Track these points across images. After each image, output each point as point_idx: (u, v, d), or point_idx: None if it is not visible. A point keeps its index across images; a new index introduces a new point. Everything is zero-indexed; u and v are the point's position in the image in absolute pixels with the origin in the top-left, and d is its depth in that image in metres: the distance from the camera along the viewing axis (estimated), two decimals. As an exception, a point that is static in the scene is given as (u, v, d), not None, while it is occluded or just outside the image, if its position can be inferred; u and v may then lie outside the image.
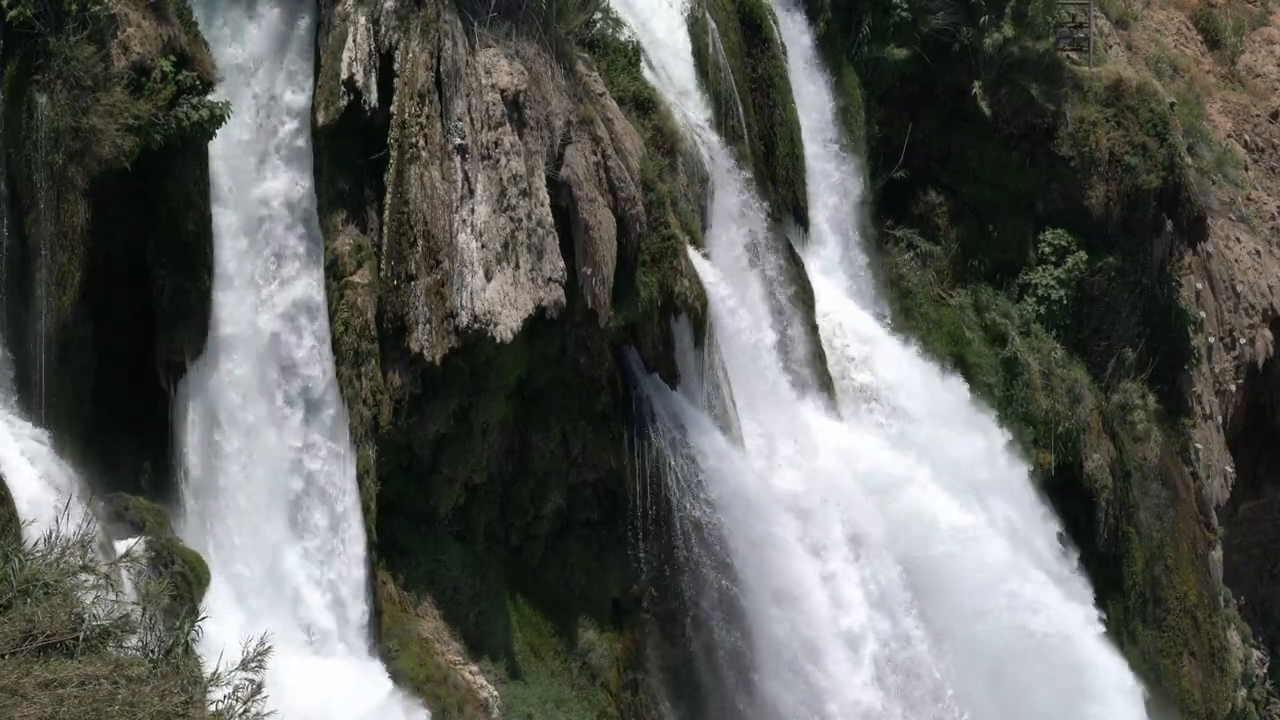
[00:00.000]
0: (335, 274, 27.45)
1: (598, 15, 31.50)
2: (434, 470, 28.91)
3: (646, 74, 32.83)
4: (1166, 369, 43.46)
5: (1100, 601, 39.55)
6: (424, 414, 28.17)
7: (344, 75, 27.07)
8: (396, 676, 27.25)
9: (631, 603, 30.91)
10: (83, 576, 12.87)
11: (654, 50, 33.68)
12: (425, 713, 27.13)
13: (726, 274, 32.77)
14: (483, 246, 27.69)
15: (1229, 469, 46.61)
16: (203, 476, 25.72)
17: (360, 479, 27.37)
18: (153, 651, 12.54)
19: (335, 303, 27.35)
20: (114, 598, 13.04)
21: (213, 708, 12.10)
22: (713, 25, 34.96)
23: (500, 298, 27.67)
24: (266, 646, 12.15)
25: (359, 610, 27.14)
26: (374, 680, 26.94)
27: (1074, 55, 44.16)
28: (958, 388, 38.98)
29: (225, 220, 25.96)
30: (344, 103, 27.14)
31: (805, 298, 35.33)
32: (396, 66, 27.61)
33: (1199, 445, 45.03)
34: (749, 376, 32.97)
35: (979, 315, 41.03)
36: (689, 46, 34.61)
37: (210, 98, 24.66)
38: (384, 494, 27.88)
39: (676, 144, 32.48)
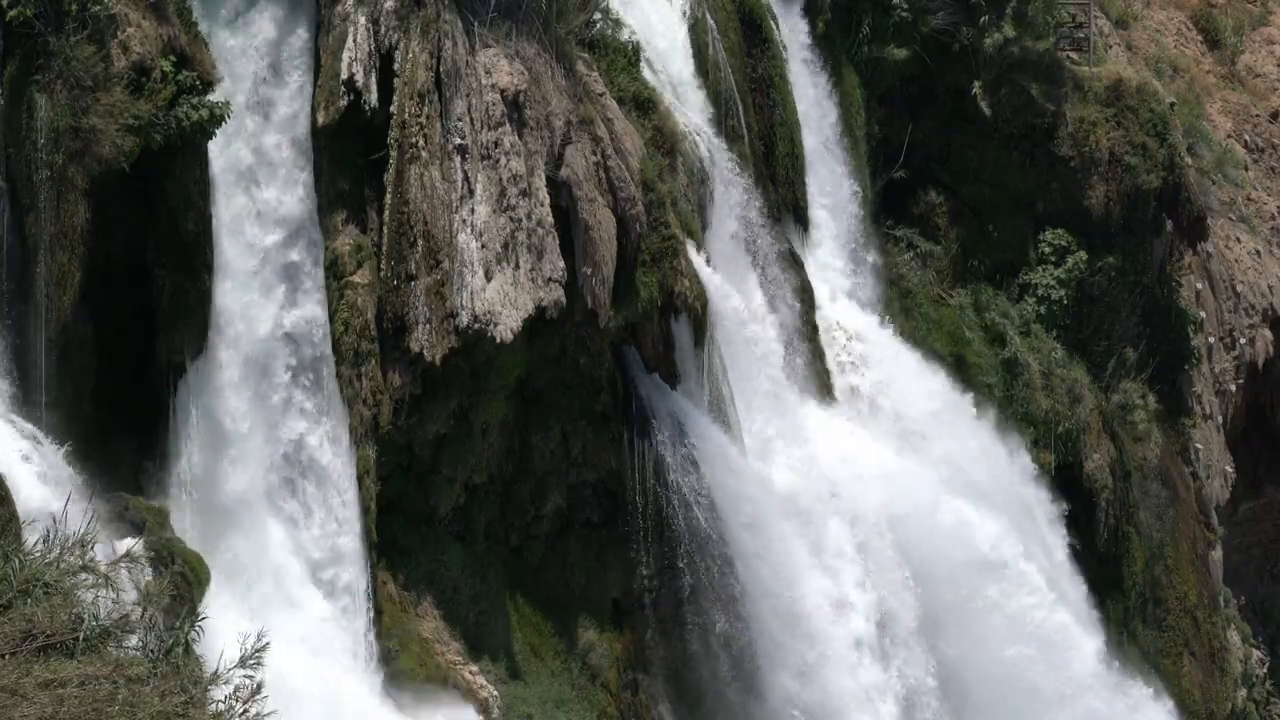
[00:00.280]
0: (335, 274, 27.45)
1: (598, 15, 31.50)
2: (434, 470, 28.91)
3: (646, 74, 32.83)
4: (1166, 369, 43.45)
5: (1100, 602, 39.57)
6: (424, 414, 28.17)
7: (344, 75, 27.07)
8: (397, 677, 27.25)
9: (631, 603, 30.91)
10: (83, 576, 12.86)
11: (654, 50, 33.68)
12: (425, 713, 27.12)
13: (726, 274, 32.77)
14: (483, 246, 27.69)
15: (1229, 469, 46.60)
16: (202, 476, 25.70)
17: (360, 479, 27.37)
18: (153, 651, 12.54)
19: (335, 303, 27.34)
20: (114, 598, 13.03)
21: (213, 708, 12.09)
22: (713, 25, 34.95)
23: (500, 298, 27.67)
24: (264, 643, 12.14)
25: (359, 610, 27.13)
26: (374, 680, 26.95)
27: (1074, 55, 44.16)
28: (958, 388, 38.98)
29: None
30: (344, 103, 27.14)
31: (805, 298, 35.33)
32: (396, 66, 27.61)
33: (1199, 445, 45.03)
34: (749, 376, 32.97)
35: (979, 315, 41.03)
36: (689, 46, 34.60)
37: (210, 98, 24.65)
38: (384, 494, 27.88)
39: (676, 144, 32.48)
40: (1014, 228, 42.07)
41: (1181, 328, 44.11)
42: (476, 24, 28.47)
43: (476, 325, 27.46)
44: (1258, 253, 48.95)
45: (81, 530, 13.45)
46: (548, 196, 28.49)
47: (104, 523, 22.37)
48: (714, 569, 30.91)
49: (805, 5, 38.54)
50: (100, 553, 14.10)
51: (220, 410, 25.93)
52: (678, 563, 30.83)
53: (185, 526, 25.27)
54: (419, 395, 27.95)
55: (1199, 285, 46.07)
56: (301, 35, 27.21)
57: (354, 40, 27.19)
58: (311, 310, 27.14)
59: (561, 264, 28.35)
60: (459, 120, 27.82)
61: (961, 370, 39.52)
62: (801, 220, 37.38)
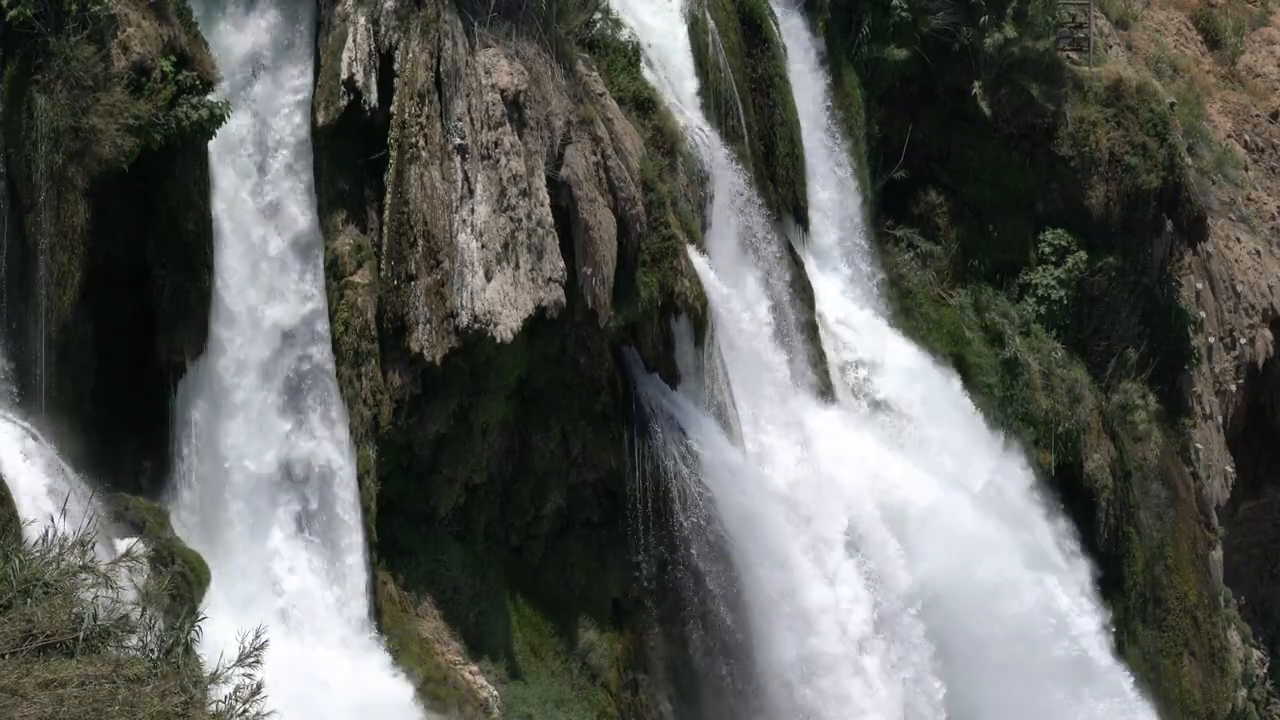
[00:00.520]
0: (335, 274, 27.45)
1: (598, 15, 31.50)
2: (434, 470, 28.91)
3: (646, 74, 32.83)
4: (1166, 369, 43.45)
5: (1100, 602, 39.58)
6: (424, 414, 28.17)
7: (344, 75, 27.07)
8: (396, 677, 27.25)
9: (631, 603, 30.91)
10: (83, 576, 12.86)
11: (654, 50, 33.67)
12: (425, 713, 27.12)
13: (726, 274, 32.77)
14: (483, 246, 27.70)
15: (1229, 469, 46.60)
16: (202, 476, 25.71)
17: (360, 479, 27.37)
18: (152, 651, 12.53)
19: (335, 303, 27.35)
20: (114, 598, 13.03)
21: (213, 707, 12.09)
22: (713, 25, 34.95)
23: (500, 298, 27.67)
24: (263, 641, 12.14)
25: (359, 610, 27.13)
26: (374, 680, 26.94)
27: (1074, 55, 44.15)
28: (958, 388, 38.99)
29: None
30: (344, 103, 27.14)
31: (805, 297, 35.34)
32: (396, 66, 27.61)
33: (1199, 445, 45.03)
34: (749, 376, 32.97)
35: (979, 315, 41.02)
36: (689, 47, 34.60)
37: (210, 98, 24.66)
38: (384, 494, 27.88)
39: (676, 144, 32.48)
40: (1014, 228, 42.06)
41: (1181, 328, 44.10)
42: (476, 24, 28.47)
43: (476, 325, 27.46)
44: (1258, 253, 48.94)
45: (81, 530, 13.45)
46: (548, 196, 28.49)
47: (104, 523, 22.38)
48: (714, 569, 30.91)
49: (805, 5, 38.53)
50: (100, 553, 14.11)
51: (220, 410, 25.93)
52: (678, 563, 30.83)
53: (185, 526, 25.28)
54: (419, 395, 27.96)
55: (1199, 285, 46.06)
56: (302, 35, 27.20)
57: (354, 40, 27.19)
58: (312, 310, 27.15)
59: (561, 264, 28.35)
60: (459, 120, 27.83)
61: (961, 370, 39.52)
62: (801, 220, 37.38)
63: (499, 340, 27.66)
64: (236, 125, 25.89)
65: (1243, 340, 47.46)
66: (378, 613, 27.46)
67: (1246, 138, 51.44)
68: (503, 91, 28.30)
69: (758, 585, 31.33)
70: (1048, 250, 41.88)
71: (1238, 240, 48.49)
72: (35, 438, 22.98)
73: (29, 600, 12.47)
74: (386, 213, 27.52)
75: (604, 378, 30.42)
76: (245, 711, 11.88)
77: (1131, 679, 38.46)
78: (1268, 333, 48.19)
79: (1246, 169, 50.48)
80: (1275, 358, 48.51)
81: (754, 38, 36.47)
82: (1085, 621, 37.66)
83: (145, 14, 24.28)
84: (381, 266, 27.55)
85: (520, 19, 28.91)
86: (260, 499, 26.42)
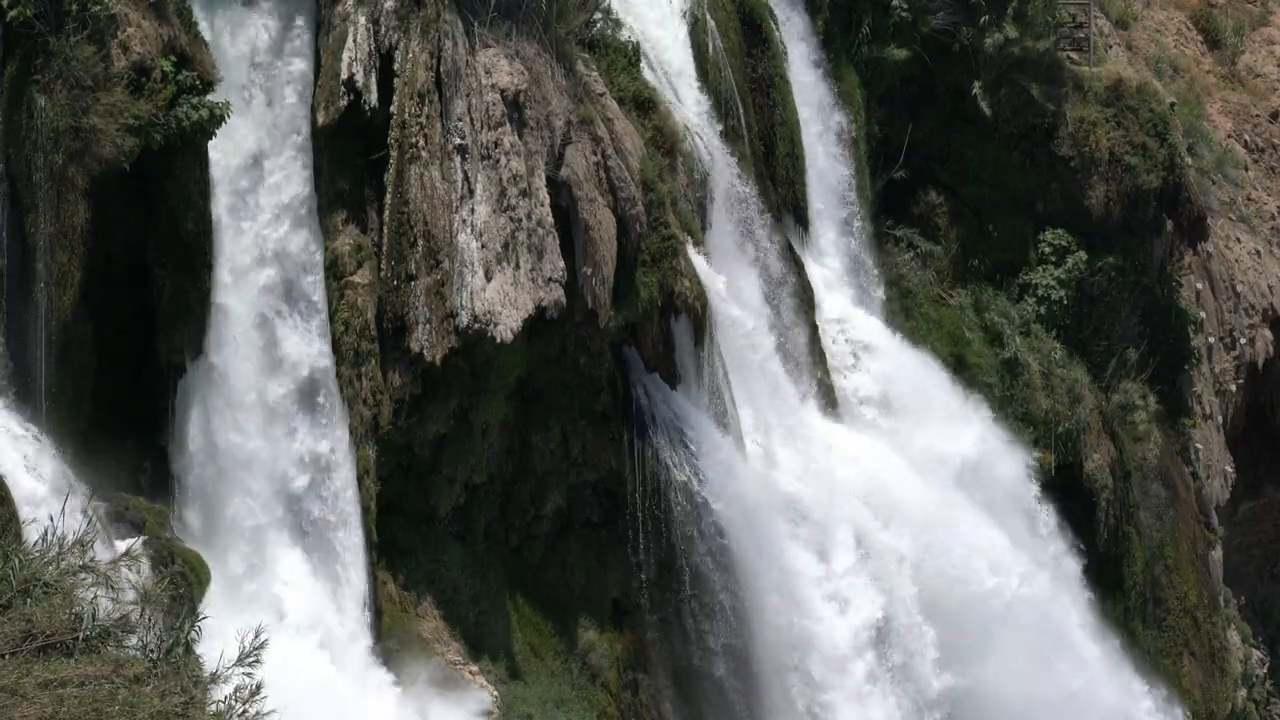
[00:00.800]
0: (335, 274, 27.45)
1: (598, 15, 31.50)
2: (434, 470, 28.91)
3: (646, 74, 32.82)
4: (1166, 369, 43.44)
5: (1100, 602, 39.57)
6: (424, 414, 28.16)
7: (344, 75, 27.07)
8: (397, 677, 27.25)
9: (631, 603, 30.90)
10: (82, 576, 12.86)
11: (654, 50, 33.67)
12: (425, 712, 27.13)
13: (726, 274, 32.76)
14: (483, 246, 27.69)
15: (1229, 469, 46.59)
16: (202, 476, 25.71)
17: (360, 479, 27.37)
18: (152, 651, 12.53)
19: (335, 303, 27.35)
20: (113, 597, 13.03)
21: (213, 708, 12.09)
22: (713, 25, 34.94)
23: (500, 298, 27.67)
24: (262, 641, 12.14)
25: (359, 610, 27.13)
26: (374, 680, 26.95)
27: (1074, 55, 44.14)
28: (958, 388, 38.97)
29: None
30: (344, 103, 27.14)
31: (805, 298, 35.32)
32: (396, 66, 27.61)
33: (1199, 445, 45.02)
34: (749, 377, 32.96)
35: (979, 315, 41.01)
36: (689, 46, 34.59)
37: (210, 98, 24.65)
38: (384, 494, 27.88)
39: (676, 144, 32.47)
40: (1014, 228, 42.05)
41: (1181, 328, 44.10)
42: (476, 24, 28.47)
43: (476, 325, 27.46)
44: (1258, 253, 48.94)
45: (81, 530, 13.46)
46: (548, 196, 28.49)
47: (104, 523, 22.39)
48: (714, 569, 30.91)
49: (805, 5, 38.53)
50: (100, 553, 14.11)
51: (220, 410, 25.93)
52: (678, 562, 30.82)
53: (185, 526, 25.28)
54: (419, 395, 27.95)
55: (1199, 285, 46.06)
56: (301, 35, 27.20)
57: (354, 40, 27.19)
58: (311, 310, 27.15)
59: (561, 264, 28.35)
60: (459, 120, 27.83)
61: (961, 370, 39.51)
62: (801, 220, 37.37)
63: (499, 340, 27.66)
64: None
65: (1243, 340, 47.45)
66: (378, 613, 27.46)
67: (1246, 138, 51.44)
68: (503, 91, 28.30)
69: (757, 585, 31.33)
70: (1048, 250, 41.87)
71: (1238, 240, 48.48)
72: (35, 438, 22.98)
73: (29, 600, 12.47)
74: (386, 213, 27.52)
75: (604, 378, 30.42)
76: (245, 711, 11.88)
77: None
78: (1268, 333, 48.19)
79: (1246, 169, 50.48)
80: (1275, 358, 48.50)
81: (754, 38, 36.46)
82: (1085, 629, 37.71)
83: (145, 14, 24.28)
84: (381, 266, 27.55)
85: (520, 19, 28.91)
86: (259, 498, 26.39)
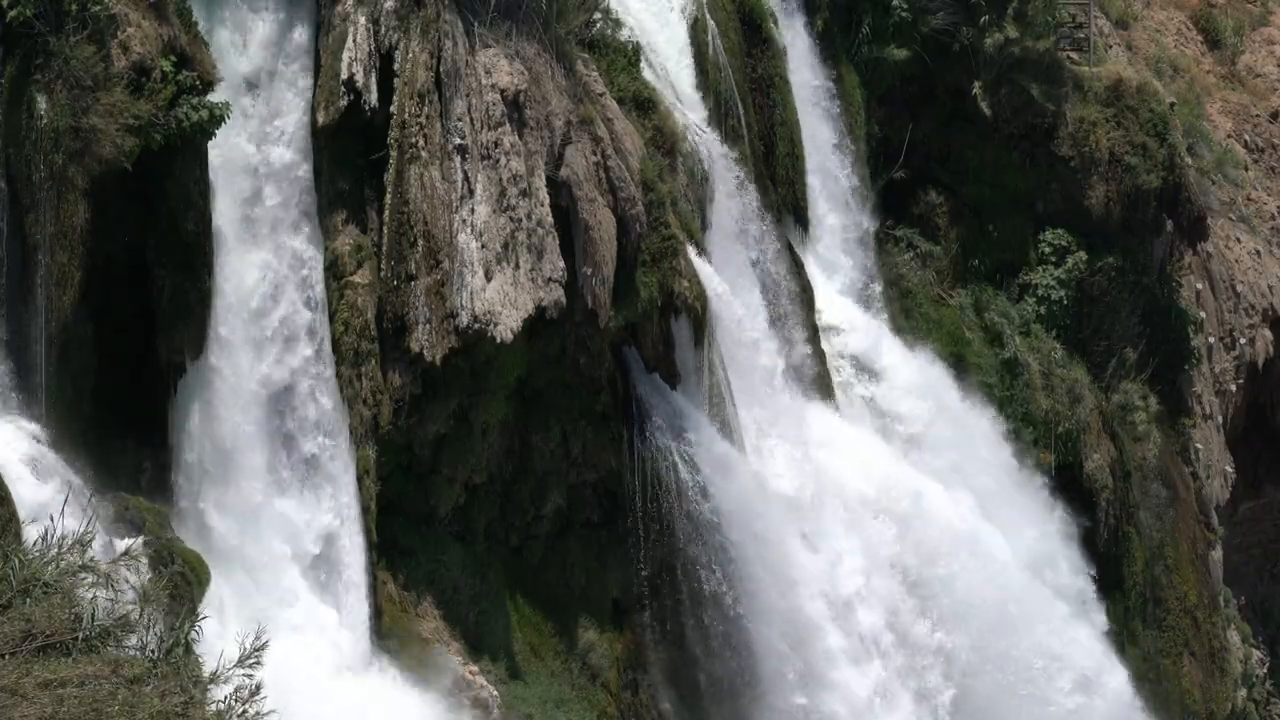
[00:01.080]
0: (335, 274, 27.45)
1: (598, 15, 31.50)
2: (434, 470, 28.90)
3: (646, 74, 32.82)
4: (1166, 369, 43.46)
5: (1101, 601, 39.59)
6: (424, 414, 28.16)
7: (344, 75, 27.07)
8: (397, 677, 27.25)
9: (631, 603, 30.90)
10: (82, 576, 12.86)
11: (654, 50, 33.68)
12: (425, 712, 27.13)
13: (726, 274, 32.76)
14: (483, 246, 27.69)
15: (1229, 469, 46.61)
16: (202, 476, 25.70)
17: (360, 479, 27.37)
18: (152, 651, 12.54)
19: (335, 303, 27.34)
20: (113, 598, 13.03)
21: (213, 708, 12.09)
22: (713, 25, 34.95)
23: (500, 298, 27.67)
24: (264, 642, 12.14)
25: (359, 610, 27.13)
26: (374, 680, 26.95)
27: (1074, 55, 44.16)
28: (958, 389, 38.99)
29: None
30: (344, 103, 27.14)
31: (805, 298, 35.33)
32: (396, 66, 27.61)
33: (1199, 445, 45.04)
34: (749, 377, 32.97)
35: (979, 315, 41.03)
36: (689, 46, 34.60)
37: (210, 98, 24.65)
38: (384, 494, 27.87)
39: (676, 144, 32.47)
40: (1014, 228, 42.07)
41: (1181, 328, 44.11)
42: (476, 24, 28.46)
43: (476, 325, 27.45)
44: (1258, 253, 48.96)
45: (81, 530, 13.46)
46: (548, 196, 28.48)
47: (104, 523, 22.38)
48: (714, 569, 30.91)
49: (805, 5, 38.54)
50: (100, 553, 14.11)
51: (220, 410, 25.92)
52: (677, 562, 30.82)
53: (185, 526, 25.27)
54: (419, 395, 27.95)
55: (1199, 285, 46.07)
56: (301, 35, 27.20)
57: (354, 40, 27.19)
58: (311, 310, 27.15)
59: (561, 264, 28.35)
60: (459, 120, 27.82)
61: (961, 370, 39.52)
62: (801, 220, 37.38)
63: (499, 340, 27.66)
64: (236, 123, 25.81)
65: (1243, 340, 47.47)
66: (378, 613, 27.46)
67: (1246, 138, 51.46)
68: (503, 91, 28.30)
69: (757, 584, 31.33)
70: (1048, 250, 41.89)
71: (1238, 240, 48.50)
72: (35, 438, 22.97)
73: (28, 600, 12.48)
74: (386, 213, 27.52)
75: (604, 378, 30.42)
76: (245, 712, 11.88)
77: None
78: (1268, 333, 48.21)
79: (1246, 169, 50.50)
80: (1275, 358, 48.52)
81: (754, 38, 36.47)
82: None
83: (145, 14, 24.26)
84: (381, 266, 27.55)
85: (520, 19, 28.90)
86: (259, 498, 26.39)
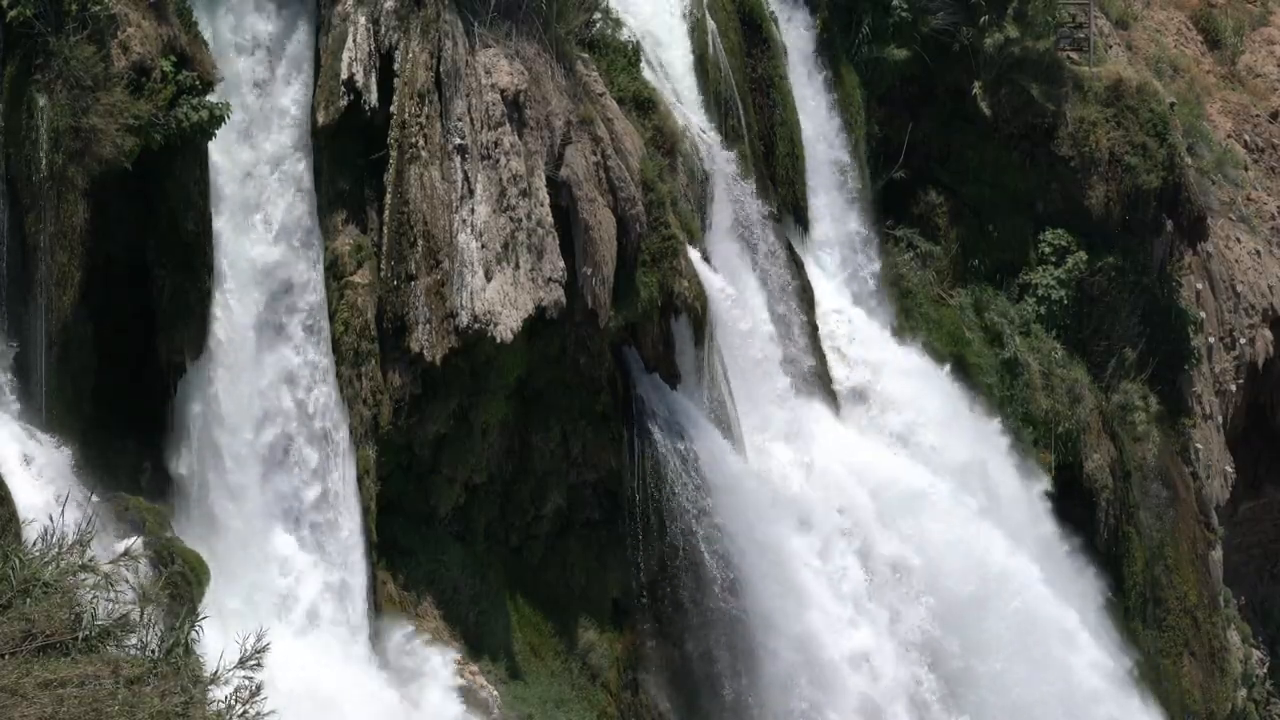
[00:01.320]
0: (335, 274, 27.45)
1: (598, 15, 31.50)
2: (434, 470, 28.90)
3: (646, 74, 32.83)
4: (1166, 369, 43.46)
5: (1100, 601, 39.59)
6: (424, 414, 28.16)
7: (344, 75, 27.07)
8: (397, 677, 27.25)
9: (631, 603, 30.90)
10: (82, 576, 12.86)
11: (654, 50, 33.68)
12: (423, 712, 27.13)
13: (726, 274, 32.77)
14: (483, 246, 27.69)
15: (1229, 469, 46.60)
16: (202, 476, 25.70)
17: (360, 479, 27.37)
18: (152, 651, 12.53)
19: (335, 303, 27.34)
20: (113, 598, 13.02)
21: (213, 708, 12.09)
22: (713, 26, 34.96)
23: (500, 298, 27.67)
24: (265, 644, 12.13)
25: (359, 610, 27.13)
26: (373, 680, 26.95)
27: (1074, 55, 44.16)
28: (958, 389, 38.98)
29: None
30: (344, 103, 27.14)
31: (805, 298, 35.33)
32: (396, 66, 27.61)
33: (1199, 445, 45.03)
34: (749, 377, 32.97)
35: (979, 315, 41.03)
36: (689, 47, 34.61)
37: (210, 98, 24.65)
38: (384, 494, 27.87)
39: (676, 144, 32.48)
40: (1014, 228, 42.08)
41: (1181, 328, 44.11)
42: (476, 24, 28.46)
43: (476, 325, 27.45)
44: (1258, 253, 48.95)
45: (81, 530, 13.45)
46: (548, 196, 28.49)
47: (104, 523, 22.38)
48: (714, 569, 30.91)
49: (805, 5, 38.55)
50: (100, 553, 14.10)
51: (220, 410, 25.92)
52: (677, 562, 30.82)
53: (185, 526, 25.27)
54: (419, 395, 27.95)
55: (1199, 285, 46.07)
56: (301, 35, 27.21)
57: (354, 40, 27.19)
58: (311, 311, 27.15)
59: (561, 264, 28.35)
60: (459, 120, 27.82)
61: (961, 370, 39.52)
62: (801, 220, 37.38)
63: (499, 340, 27.66)
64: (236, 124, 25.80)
65: (1243, 340, 47.47)
66: (378, 613, 27.45)
67: (1246, 138, 51.45)
68: (503, 91, 28.30)
69: (757, 584, 31.32)
70: (1048, 250, 41.89)
71: (1238, 240, 48.50)
72: (35, 438, 22.97)
73: (28, 600, 12.47)
74: (386, 213, 27.52)
75: (604, 378, 30.42)
76: (245, 712, 11.88)
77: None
78: (1268, 333, 48.20)
79: (1246, 169, 50.49)
80: (1275, 358, 48.52)
81: (754, 38, 36.48)
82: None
83: (145, 14, 24.26)
84: (381, 266, 27.55)
85: (520, 19, 28.91)
86: (259, 499, 26.39)
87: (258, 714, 12.03)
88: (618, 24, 32.30)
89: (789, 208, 36.87)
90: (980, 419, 38.85)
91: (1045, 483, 39.40)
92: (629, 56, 32.20)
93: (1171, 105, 44.30)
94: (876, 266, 39.35)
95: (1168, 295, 43.90)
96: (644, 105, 31.97)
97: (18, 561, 12.83)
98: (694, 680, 31.39)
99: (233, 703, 12.01)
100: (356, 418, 27.28)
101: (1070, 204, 42.18)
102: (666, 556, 30.82)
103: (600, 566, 30.69)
